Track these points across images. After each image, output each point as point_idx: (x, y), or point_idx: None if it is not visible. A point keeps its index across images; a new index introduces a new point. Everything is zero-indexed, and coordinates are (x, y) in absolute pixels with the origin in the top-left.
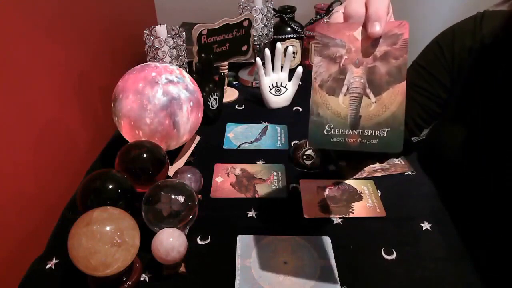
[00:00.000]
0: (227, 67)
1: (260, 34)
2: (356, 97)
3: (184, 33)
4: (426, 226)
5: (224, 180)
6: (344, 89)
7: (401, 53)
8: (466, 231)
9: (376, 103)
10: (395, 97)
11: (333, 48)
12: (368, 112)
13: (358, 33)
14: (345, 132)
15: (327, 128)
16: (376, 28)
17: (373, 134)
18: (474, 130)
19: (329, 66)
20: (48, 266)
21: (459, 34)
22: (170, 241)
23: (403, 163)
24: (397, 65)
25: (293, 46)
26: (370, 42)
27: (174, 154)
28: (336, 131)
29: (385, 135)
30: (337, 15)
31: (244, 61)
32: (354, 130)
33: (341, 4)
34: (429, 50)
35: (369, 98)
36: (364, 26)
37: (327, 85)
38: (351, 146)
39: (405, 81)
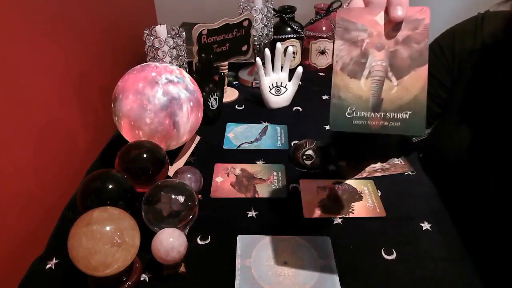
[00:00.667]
0: (227, 67)
1: (260, 34)
2: (378, 80)
3: (184, 33)
4: (426, 226)
5: (224, 180)
6: (366, 72)
7: (423, 38)
8: (466, 231)
9: (398, 86)
10: (417, 80)
11: (354, 32)
12: (390, 95)
13: (380, 18)
14: (367, 115)
15: (348, 111)
16: (399, 13)
17: (396, 116)
18: (474, 130)
19: (350, 49)
20: (48, 266)
21: (459, 34)
22: (170, 241)
23: (403, 163)
24: (419, 49)
25: (293, 46)
26: (392, 26)
27: (174, 154)
28: (358, 113)
29: (407, 117)
30: (357, 0)
31: (244, 61)
32: (376, 113)
33: (341, 4)
34: (431, 51)
35: (391, 81)
36: (386, 11)
37: (348, 68)
38: (373, 129)
39: (427, 65)
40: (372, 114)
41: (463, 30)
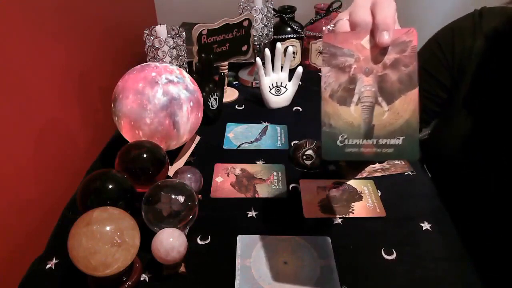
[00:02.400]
0: (227, 67)
1: (260, 34)
2: (368, 106)
3: (184, 33)
4: (426, 226)
5: (224, 180)
6: (355, 98)
7: (411, 60)
8: (466, 231)
9: (389, 111)
10: (408, 104)
11: (341, 58)
12: (381, 120)
13: (365, 42)
14: (359, 142)
15: (340, 139)
16: (385, 37)
17: (388, 143)
18: (476, 130)
19: (338, 75)
20: (48, 266)
21: (458, 33)
22: (170, 241)
23: (403, 163)
24: (408, 72)
25: (293, 46)
26: (379, 50)
27: (174, 154)
28: (350, 141)
29: (400, 143)
30: (343, 23)
31: (244, 61)
32: (368, 140)
33: (341, 4)
34: (428, 49)
35: (382, 106)
36: (372, 34)
37: (337, 95)
38: (366, 156)
39: (417, 88)
40: (365, 141)
41: (461, 27)
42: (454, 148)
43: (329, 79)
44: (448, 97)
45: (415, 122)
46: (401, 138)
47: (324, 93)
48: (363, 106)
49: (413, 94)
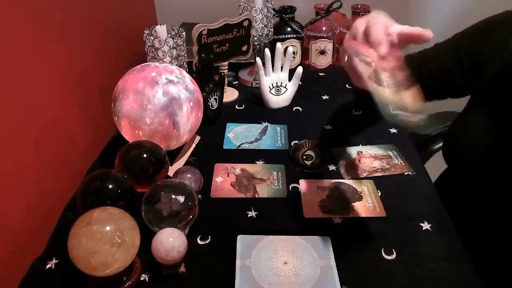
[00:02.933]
0: (227, 67)
1: (260, 34)
2: (394, 90)
3: (184, 33)
4: (426, 226)
5: (224, 180)
6: (385, 84)
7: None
8: (466, 231)
9: (408, 97)
10: (415, 94)
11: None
12: (405, 102)
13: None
14: (402, 114)
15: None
16: (381, 50)
17: (415, 118)
18: (489, 131)
19: (365, 67)
20: (48, 266)
21: (500, 24)
22: (170, 241)
23: (403, 163)
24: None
25: (293, 46)
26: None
27: (174, 154)
28: (396, 111)
29: (422, 118)
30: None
31: (244, 61)
32: (404, 113)
33: (341, 4)
34: (466, 30)
35: (402, 92)
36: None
37: (372, 79)
38: (408, 125)
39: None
40: (402, 113)
41: (507, 18)
42: (467, 149)
43: (361, 68)
44: (463, 84)
45: (425, 108)
46: (422, 116)
47: (364, 76)
48: (391, 90)
49: (417, 88)
